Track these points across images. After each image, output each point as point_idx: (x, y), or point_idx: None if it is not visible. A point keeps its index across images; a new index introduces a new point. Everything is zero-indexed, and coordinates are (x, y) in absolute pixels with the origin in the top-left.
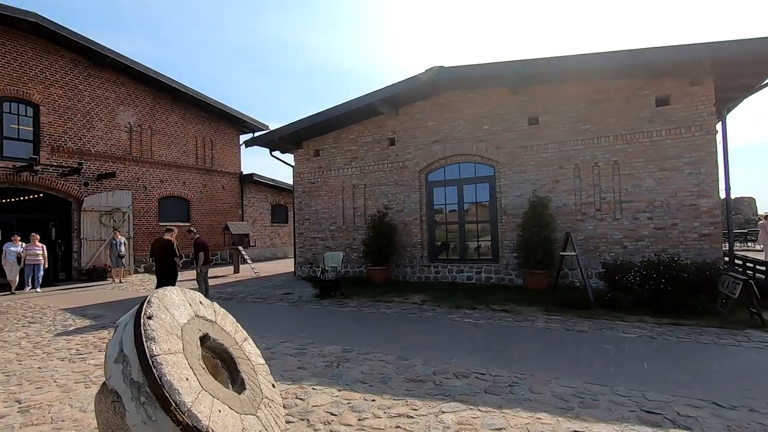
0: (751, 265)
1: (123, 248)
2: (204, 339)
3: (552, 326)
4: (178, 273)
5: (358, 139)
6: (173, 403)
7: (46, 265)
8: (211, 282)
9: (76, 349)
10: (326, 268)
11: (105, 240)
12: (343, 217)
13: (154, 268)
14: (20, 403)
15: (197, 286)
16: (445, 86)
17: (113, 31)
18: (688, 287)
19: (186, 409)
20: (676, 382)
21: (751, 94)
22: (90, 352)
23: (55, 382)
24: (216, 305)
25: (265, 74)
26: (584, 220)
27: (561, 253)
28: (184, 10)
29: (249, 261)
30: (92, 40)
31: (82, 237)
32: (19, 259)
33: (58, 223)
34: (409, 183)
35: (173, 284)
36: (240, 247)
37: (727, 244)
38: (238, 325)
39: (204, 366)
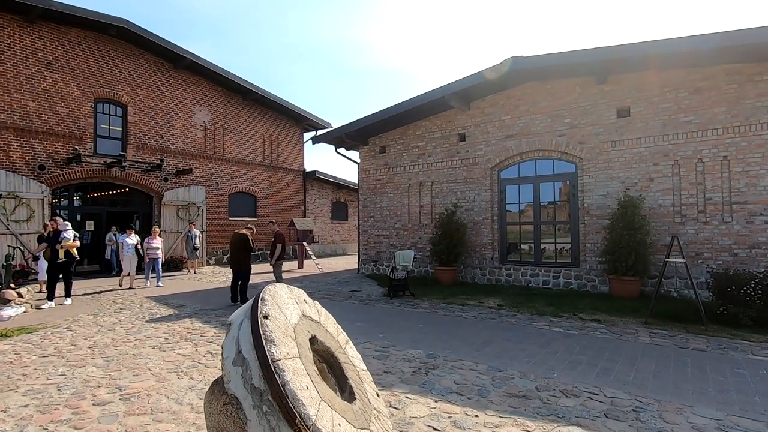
0: None
1: (198, 241)
2: (312, 341)
3: (659, 342)
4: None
5: (425, 135)
6: (298, 416)
7: (163, 259)
8: None
9: (165, 338)
10: (397, 267)
11: (182, 233)
12: (409, 215)
13: (225, 259)
14: (121, 390)
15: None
16: (521, 78)
17: (184, 39)
18: None
19: (311, 423)
20: None
21: None
22: (177, 342)
23: (149, 370)
24: (318, 304)
25: (321, 74)
26: (684, 222)
27: (666, 260)
28: (249, 17)
29: (313, 256)
30: (173, 44)
31: (161, 229)
32: (137, 252)
33: (141, 215)
34: (480, 180)
35: (247, 277)
36: (304, 243)
37: None
38: (339, 326)
39: (317, 371)
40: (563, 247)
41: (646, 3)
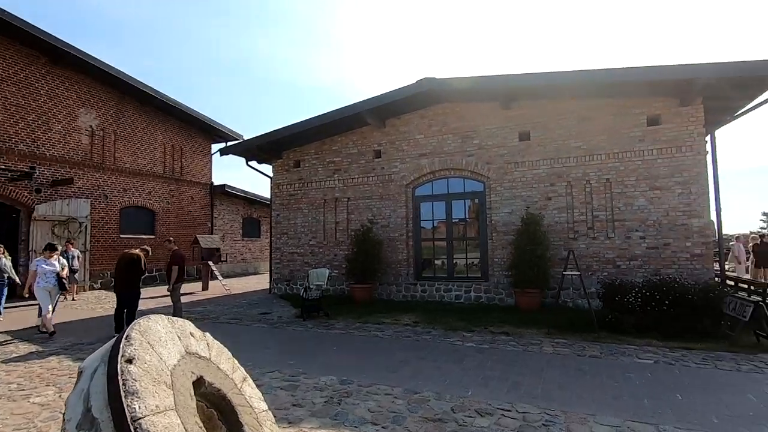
0: (745, 286)
1: (76, 262)
2: (198, 384)
3: (561, 351)
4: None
5: (341, 151)
6: None
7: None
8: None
9: (18, 383)
10: (310, 286)
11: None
12: (324, 232)
13: (111, 285)
14: None
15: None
16: (434, 99)
17: (96, 40)
18: (693, 309)
19: None
20: (719, 416)
21: (738, 117)
22: (35, 387)
23: None
24: (209, 336)
25: (242, 88)
26: (577, 238)
27: (563, 273)
28: (171, 25)
29: (220, 277)
30: (53, 36)
31: (30, 249)
32: (61, 282)
33: (3, 233)
34: (396, 197)
35: (135, 304)
36: (210, 262)
37: (717, 265)
38: (235, 360)
39: (201, 425)
40: (473, 263)
41: (553, 38)
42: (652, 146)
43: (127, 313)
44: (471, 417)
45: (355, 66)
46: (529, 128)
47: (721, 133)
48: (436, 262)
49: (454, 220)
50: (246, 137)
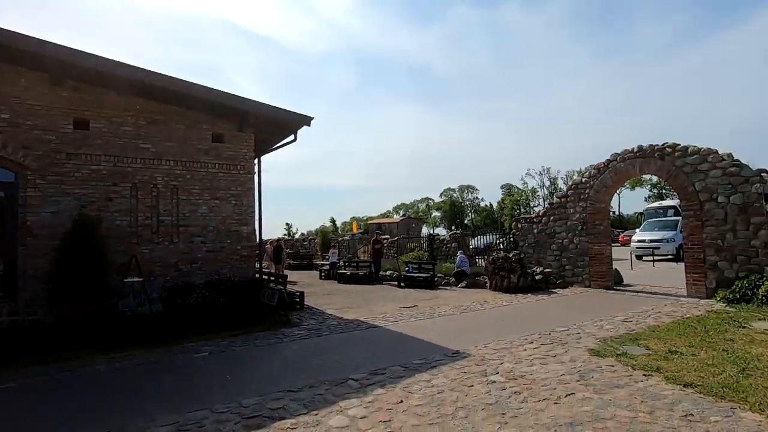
0: (273, 278)
1: None
2: None
3: (119, 366)
4: None
5: None
6: None
7: None
8: None
9: None
10: None
11: None
12: None
13: None
14: None
15: None
16: None
17: None
18: (240, 302)
19: None
20: (258, 383)
21: (272, 150)
22: None
23: None
24: None
25: None
26: (140, 243)
27: (125, 280)
28: None
29: None
30: None
31: None
32: None
33: None
34: None
35: None
36: None
37: (258, 264)
38: None
39: None
40: None
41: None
42: (215, 161)
43: None
44: None
45: None
46: (90, 117)
47: (264, 158)
48: None
49: None
50: None
